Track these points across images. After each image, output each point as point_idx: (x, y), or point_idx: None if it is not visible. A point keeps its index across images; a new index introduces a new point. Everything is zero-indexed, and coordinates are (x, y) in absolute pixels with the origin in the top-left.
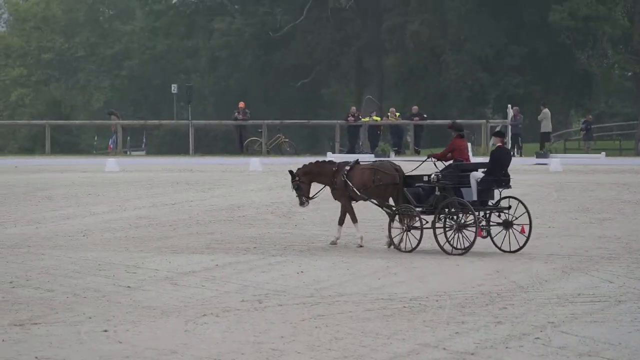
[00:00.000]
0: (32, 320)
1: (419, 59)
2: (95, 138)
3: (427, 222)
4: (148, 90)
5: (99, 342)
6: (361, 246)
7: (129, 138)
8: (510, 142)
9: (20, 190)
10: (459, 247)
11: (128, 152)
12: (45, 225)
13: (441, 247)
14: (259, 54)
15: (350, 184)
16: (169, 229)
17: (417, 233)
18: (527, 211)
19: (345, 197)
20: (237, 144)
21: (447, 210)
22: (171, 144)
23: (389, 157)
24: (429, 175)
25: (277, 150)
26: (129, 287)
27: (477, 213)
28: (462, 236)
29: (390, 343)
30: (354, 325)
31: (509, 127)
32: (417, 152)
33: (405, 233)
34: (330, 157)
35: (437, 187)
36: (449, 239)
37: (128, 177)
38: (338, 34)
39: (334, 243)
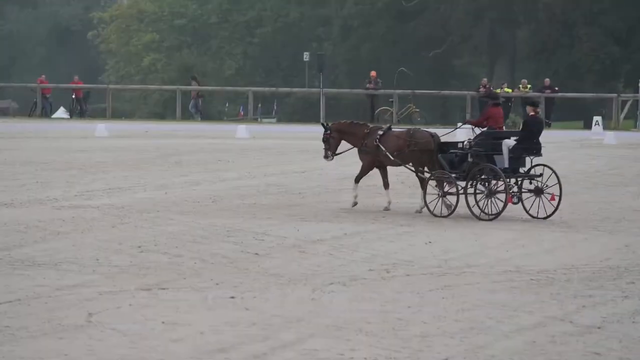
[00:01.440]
0: (160, 285)
1: (552, 31)
2: (227, 104)
3: (461, 187)
4: (280, 58)
5: (226, 308)
6: (356, 204)
7: (260, 105)
8: None
9: (150, 155)
10: (489, 212)
11: (259, 119)
12: (174, 190)
13: (472, 213)
14: (392, 24)
15: (383, 148)
16: (298, 197)
17: (452, 199)
18: (558, 179)
19: (371, 161)
20: (368, 113)
21: (479, 176)
22: (302, 112)
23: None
24: (464, 142)
25: (407, 120)
26: (256, 254)
27: (508, 180)
28: (493, 202)
29: (517, 315)
30: (480, 296)
31: None
32: (548, 126)
33: (440, 198)
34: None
35: (469, 154)
36: (480, 205)
37: (258, 144)
38: (471, 5)
39: (386, 209)
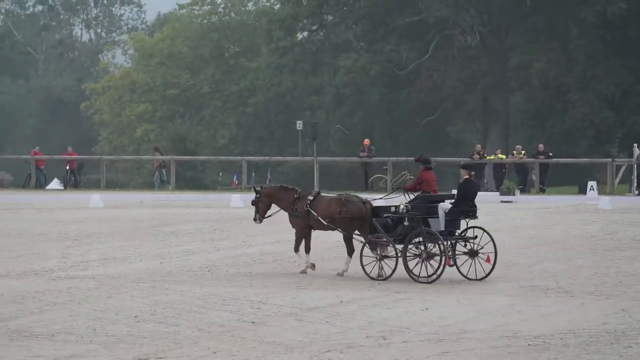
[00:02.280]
0: (157, 354)
1: (545, 97)
2: (220, 174)
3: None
4: (273, 126)
5: None
6: (305, 272)
7: (253, 174)
8: (635, 181)
9: (145, 225)
10: (425, 275)
11: (253, 188)
12: (170, 260)
13: (411, 275)
14: (385, 92)
15: (315, 213)
16: (293, 265)
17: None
18: (492, 240)
19: (302, 225)
20: (362, 180)
21: (415, 239)
22: (296, 181)
23: (514, 195)
24: (397, 206)
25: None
26: (253, 322)
27: (446, 242)
28: (429, 265)
29: None
30: None
31: (635, 166)
32: (543, 191)
33: (378, 262)
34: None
35: (405, 217)
36: (417, 268)
37: (253, 213)
38: (464, 72)
39: (303, 272)
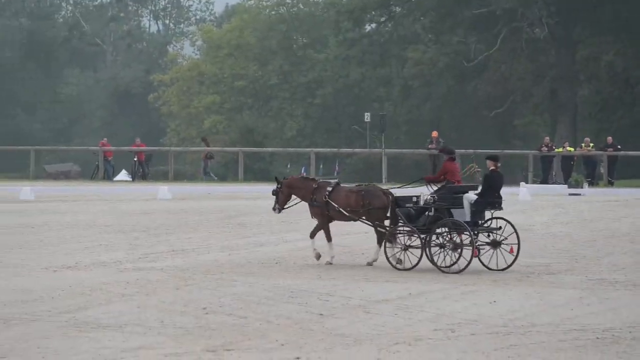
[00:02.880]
0: (225, 346)
1: (613, 89)
2: (288, 165)
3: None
4: (341, 118)
5: None
6: (330, 263)
7: (322, 166)
8: None
9: (213, 217)
10: (446, 265)
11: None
12: (238, 252)
13: (435, 265)
14: (452, 84)
15: (335, 204)
16: (361, 257)
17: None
18: (516, 232)
19: (323, 215)
20: (430, 173)
21: (443, 230)
22: (364, 172)
23: (582, 188)
24: (417, 196)
25: (470, 179)
26: (321, 314)
27: (473, 233)
28: (450, 255)
29: None
30: (546, 355)
31: None
32: (611, 184)
33: (403, 252)
34: (523, 187)
35: (431, 208)
36: (438, 258)
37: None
38: (532, 64)
39: (329, 263)
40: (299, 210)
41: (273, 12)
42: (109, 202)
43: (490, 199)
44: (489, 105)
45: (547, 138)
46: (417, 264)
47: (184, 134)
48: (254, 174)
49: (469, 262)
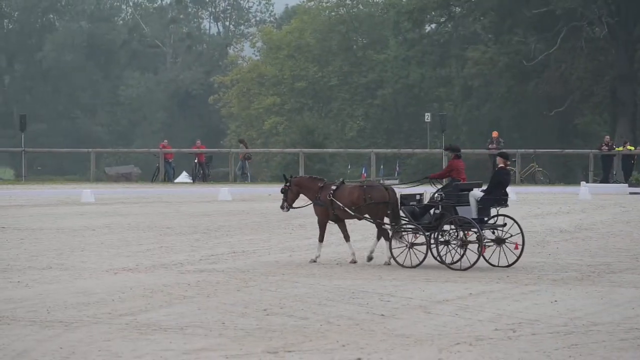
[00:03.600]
0: (286, 347)
1: None
2: (349, 166)
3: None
4: (401, 118)
5: None
6: (314, 261)
7: (382, 166)
8: None
9: (274, 219)
10: (451, 261)
11: (381, 181)
12: (299, 253)
13: (442, 262)
14: (512, 83)
15: (339, 203)
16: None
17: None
18: (521, 229)
19: (323, 214)
20: (490, 172)
21: (448, 227)
22: (424, 173)
23: None
24: (421, 194)
25: (530, 179)
26: (382, 315)
27: (481, 230)
28: (454, 251)
29: None
30: (607, 354)
31: None
32: None
33: (408, 250)
34: (583, 186)
35: (439, 205)
36: (444, 255)
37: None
38: (591, 63)
39: (313, 260)
40: None
41: (333, 13)
42: (169, 204)
43: (497, 196)
44: (549, 104)
45: (608, 137)
46: (422, 261)
47: (244, 136)
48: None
49: (477, 259)
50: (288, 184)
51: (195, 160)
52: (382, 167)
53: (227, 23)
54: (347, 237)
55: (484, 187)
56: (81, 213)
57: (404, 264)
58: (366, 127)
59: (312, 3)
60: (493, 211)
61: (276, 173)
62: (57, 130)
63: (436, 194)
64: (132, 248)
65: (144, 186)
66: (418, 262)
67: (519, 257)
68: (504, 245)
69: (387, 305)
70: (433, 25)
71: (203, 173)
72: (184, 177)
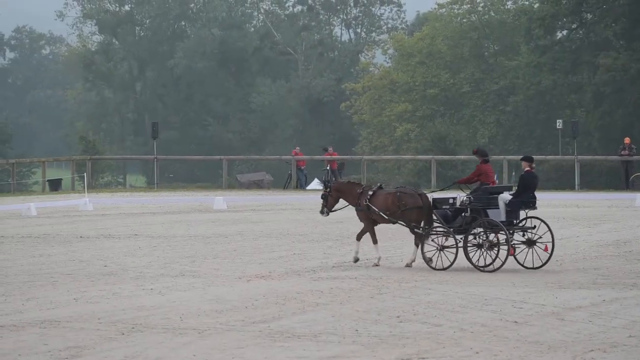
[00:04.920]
0: (419, 354)
1: None
2: None
3: (460, 240)
4: (533, 125)
5: None
6: (377, 265)
7: (513, 173)
8: None
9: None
10: (486, 263)
11: (513, 187)
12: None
13: (473, 264)
14: None
15: (375, 208)
16: (555, 264)
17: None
18: (550, 230)
19: (367, 219)
20: (622, 179)
21: (480, 230)
22: (556, 179)
23: None
24: (454, 198)
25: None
26: (515, 322)
27: (509, 233)
28: (488, 254)
29: None
30: None
31: None
32: None
33: (438, 252)
34: None
35: (468, 209)
36: (479, 257)
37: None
38: None
39: (376, 265)
40: None
41: (464, 20)
42: (301, 211)
43: (526, 198)
44: None
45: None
46: (452, 263)
47: (376, 142)
48: (446, 182)
49: (505, 261)
50: (328, 190)
51: (327, 167)
52: (513, 173)
53: (358, 30)
54: (375, 241)
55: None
56: (213, 220)
57: (436, 267)
58: (498, 133)
59: (444, 10)
60: (523, 214)
61: (408, 180)
62: (188, 137)
63: (465, 198)
64: (265, 255)
65: (276, 193)
66: (449, 264)
67: (549, 259)
68: (534, 247)
69: (520, 312)
70: (565, 32)
71: (335, 180)
72: (316, 184)
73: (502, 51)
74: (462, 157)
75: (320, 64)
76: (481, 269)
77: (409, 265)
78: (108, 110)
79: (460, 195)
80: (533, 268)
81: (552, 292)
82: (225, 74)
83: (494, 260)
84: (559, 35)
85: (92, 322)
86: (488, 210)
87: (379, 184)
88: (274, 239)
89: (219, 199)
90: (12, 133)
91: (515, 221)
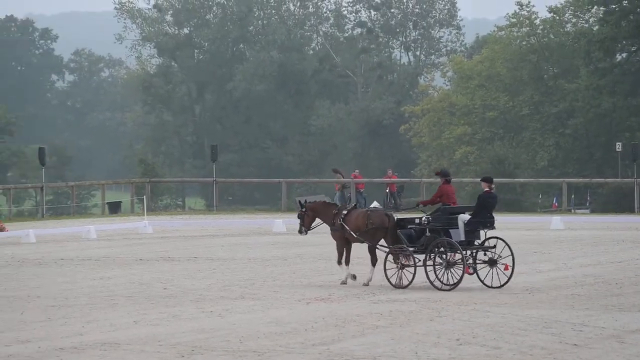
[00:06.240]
0: None
1: None
2: (540, 196)
3: (419, 260)
4: (592, 148)
5: None
6: (345, 283)
7: (573, 196)
8: None
9: None
10: (447, 283)
11: (572, 210)
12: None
13: (432, 283)
14: None
15: (347, 228)
16: (615, 287)
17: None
18: (511, 250)
19: (341, 239)
20: None
21: (437, 249)
22: (616, 202)
23: None
24: (420, 218)
25: None
26: (575, 345)
27: (464, 252)
28: (451, 273)
29: None
30: None
31: None
32: None
33: (399, 271)
34: None
35: (427, 229)
36: (439, 276)
37: (573, 235)
38: None
39: (344, 283)
40: (552, 240)
41: (524, 43)
42: None
43: (483, 218)
44: None
45: None
46: (410, 282)
47: (435, 165)
48: (506, 205)
49: (460, 280)
50: (304, 209)
51: (387, 190)
52: (573, 196)
53: (417, 52)
54: (347, 261)
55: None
56: (273, 243)
57: (395, 284)
58: (557, 156)
59: (503, 32)
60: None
61: (467, 202)
62: (247, 160)
63: (424, 218)
64: (324, 278)
65: None
66: (407, 283)
67: (509, 278)
68: (496, 266)
69: (580, 335)
70: (624, 55)
71: (395, 202)
72: (375, 206)
73: (562, 74)
74: (522, 180)
75: (380, 86)
76: (439, 287)
77: (366, 284)
78: (167, 132)
79: (426, 216)
80: (495, 287)
81: (612, 315)
82: (284, 96)
83: (459, 281)
84: (619, 57)
85: (152, 344)
86: (451, 231)
87: (353, 204)
88: (333, 262)
89: (279, 222)
90: (71, 156)
91: (476, 241)
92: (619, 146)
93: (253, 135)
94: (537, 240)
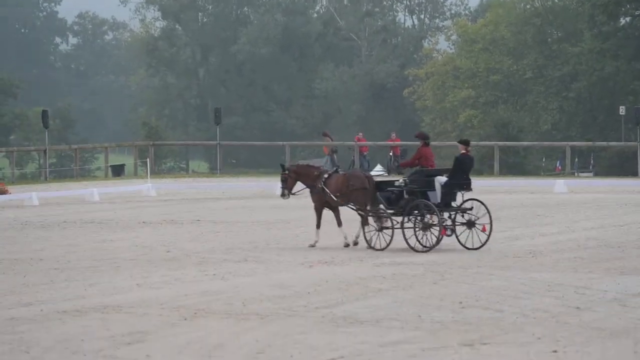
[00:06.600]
0: (482, 340)
1: None
2: (543, 159)
3: (397, 222)
4: (596, 111)
5: None
6: (312, 246)
7: (576, 159)
8: None
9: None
10: (425, 245)
11: (576, 174)
12: (495, 245)
13: (409, 245)
14: None
15: (328, 191)
16: (618, 250)
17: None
18: (488, 212)
19: (319, 201)
20: None
21: (414, 211)
22: (619, 166)
23: None
24: (399, 180)
25: None
26: (577, 308)
27: (441, 214)
28: (428, 235)
29: None
30: None
31: None
32: None
33: (377, 233)
34: None
35: (404, 191)
36: (417, 238)
37: (576, 199)
38: None
39: (312, 246)
40: (555, 203)
41: (528, 6)
42: None
43: (459, 180)
44: None
45: None
46: (388, 244)
47: (439, 129)
48: (509, 168)
49: (438, 241)
50: (286, 172)
51: (390, 153)
52: (576, 160)
53: (422, 16)
54: (339, 223)
55: None
56: (276, 206)
57: (375, 246)
58: (561, 120)
59: None
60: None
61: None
62: (251, 123)
63: (401, 180)
64: (328, 242)
65: None
66: (386, 245)
67: (487, 239)
68: (474, 228)
69: (583, 298)
70: (628, 18)
71: (398, 166)
72: (378, 170)
73: (565, 37)
74: (525, 143)
75: (384, 50)
76: (417, 249)
77: (353, 244)
78: (171, 96)
79: (404, 178)
80: (473, 249)
81: (614, 278)
82: (288, 59)
83: (437, 244)
84: (622, 21)
85: (154, 307)
86: (429, 193)
87: (335, 168)
88: (335, 225)
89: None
90: (75, 119)
91: (452, 203)
92: (622, 110)
93: (257, 98)
94: (541, 204)
